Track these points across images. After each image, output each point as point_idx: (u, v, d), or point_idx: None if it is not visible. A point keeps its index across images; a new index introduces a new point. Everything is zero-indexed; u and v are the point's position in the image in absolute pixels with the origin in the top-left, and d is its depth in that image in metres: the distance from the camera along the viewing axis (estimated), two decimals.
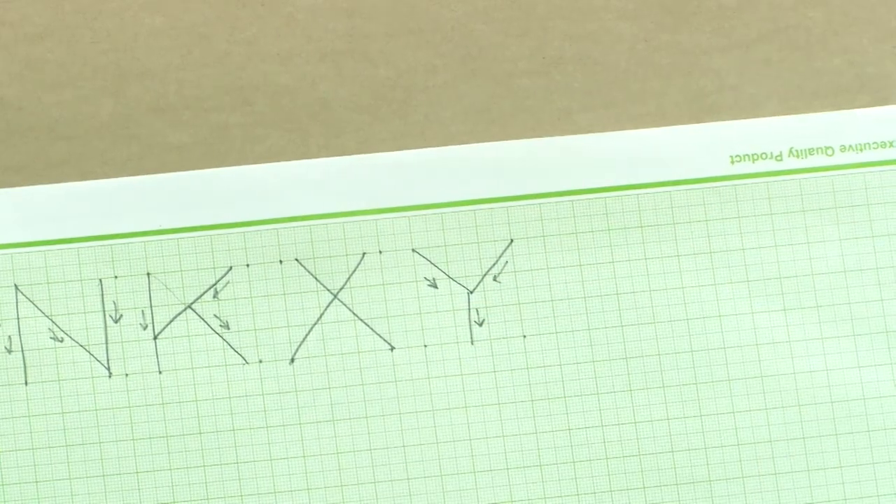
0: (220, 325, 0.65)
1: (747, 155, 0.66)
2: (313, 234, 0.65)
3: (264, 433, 0.64)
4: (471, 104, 0.67)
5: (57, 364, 0.64)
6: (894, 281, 0.66)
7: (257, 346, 0.65)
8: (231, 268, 0.65)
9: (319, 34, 0.67)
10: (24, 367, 0.64)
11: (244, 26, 0.67)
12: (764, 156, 0.66)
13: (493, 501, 0.64)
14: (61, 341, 0.65)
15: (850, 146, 0.66)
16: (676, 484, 0.65)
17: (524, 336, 0.65)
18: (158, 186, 0.65)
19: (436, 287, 0.65)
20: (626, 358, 0.65)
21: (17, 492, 0.64)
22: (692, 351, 0.65)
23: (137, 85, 0.67)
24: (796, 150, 0.66)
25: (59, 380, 0.64)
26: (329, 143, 0.67)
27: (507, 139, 0.66)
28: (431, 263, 0.66)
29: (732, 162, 0.66)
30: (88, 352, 0.65)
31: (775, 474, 0.65)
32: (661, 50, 0.68)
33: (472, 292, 0.65)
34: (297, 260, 0.65)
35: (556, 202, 0.66)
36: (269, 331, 0.65)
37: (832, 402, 0.65)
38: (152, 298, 0.65)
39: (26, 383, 0.64)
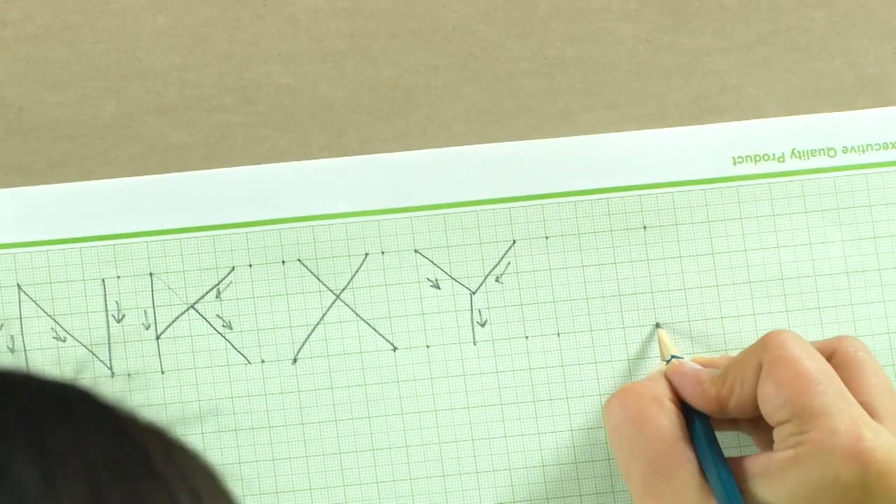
0: (223, 325, 0.65)
1: (749, 156, 0.66)
2: (316, 235, 0.65)
3: (267, 433, 0.64)
4: (472, 105, 0.67)
5: (59, 364, 0.64)
6: None
7: (260, 346, 0.65)
8: (234, 268, 0.65)
9: (321, 34, 0.67)
10: (27, 366, 0.64)
11: (246, 26, 0.67)
12: (766, 157, 0.66)
13: (496, 502, 0.64)
14: (64, 341, 0.64)
15: (853, 147, 0.66)
16: None
17: (526, 337, 0.65)
18: (161, 187, 0.65)
19: (438, 288, 0.65)
20: (628, 359, 0.65)
21: None
22: (694, 353, 0.65)
23: (139, 85, 0.67)
24: (798, 152, 0.66)
25: None
26: (331, 143, 0.67)
27: (508, 140, 0.66)
28: (434, 264, 0.66)
29: (734, 163, 0.66)
30: (91, 351, 0.64)
31: None
32: (663, 51, 0.68)
33: (474, 293, 0.65)
34: (299, 260, 0.65)
35: (559, 203, 0.66)
36: (271, 331, 0.65)
37: None
38: (155, 298, 0.65)
39: None
